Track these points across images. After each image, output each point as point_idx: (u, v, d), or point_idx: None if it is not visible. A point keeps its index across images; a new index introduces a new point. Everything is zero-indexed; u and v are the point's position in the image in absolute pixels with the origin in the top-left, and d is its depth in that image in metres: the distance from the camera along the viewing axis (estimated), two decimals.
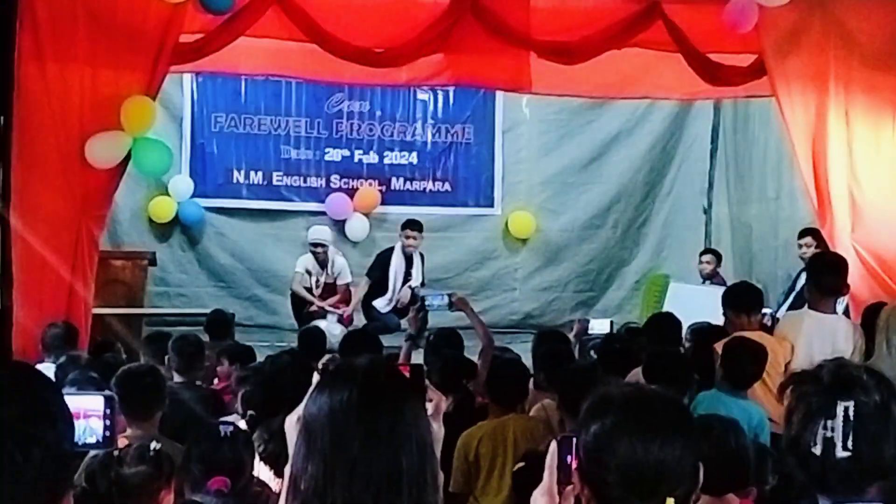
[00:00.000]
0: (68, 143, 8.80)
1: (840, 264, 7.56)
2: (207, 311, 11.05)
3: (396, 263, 12.86)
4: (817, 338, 6.80)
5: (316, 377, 2.41)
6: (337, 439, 2.23)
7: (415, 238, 12.84)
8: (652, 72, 11.00)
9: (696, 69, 10.11)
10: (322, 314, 12.61)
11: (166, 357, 7.38)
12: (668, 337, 7.68)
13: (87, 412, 3.36)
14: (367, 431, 2.23)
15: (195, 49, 9.46)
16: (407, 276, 12.87)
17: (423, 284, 12.95)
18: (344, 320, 12.60)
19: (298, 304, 12.94)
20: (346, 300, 12.97)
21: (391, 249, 13.00)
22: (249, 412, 5.98)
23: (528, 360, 7.67)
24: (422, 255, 13.13)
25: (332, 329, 11.53)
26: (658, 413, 2.67)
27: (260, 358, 7.98)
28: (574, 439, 2.68)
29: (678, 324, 8.30)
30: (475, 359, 7.86)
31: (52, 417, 1.78)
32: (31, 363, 1.95)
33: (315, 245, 13.01)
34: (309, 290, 12.95)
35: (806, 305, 7.41)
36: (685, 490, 2.61)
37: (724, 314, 7.51)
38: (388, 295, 12.77)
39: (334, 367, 2.41)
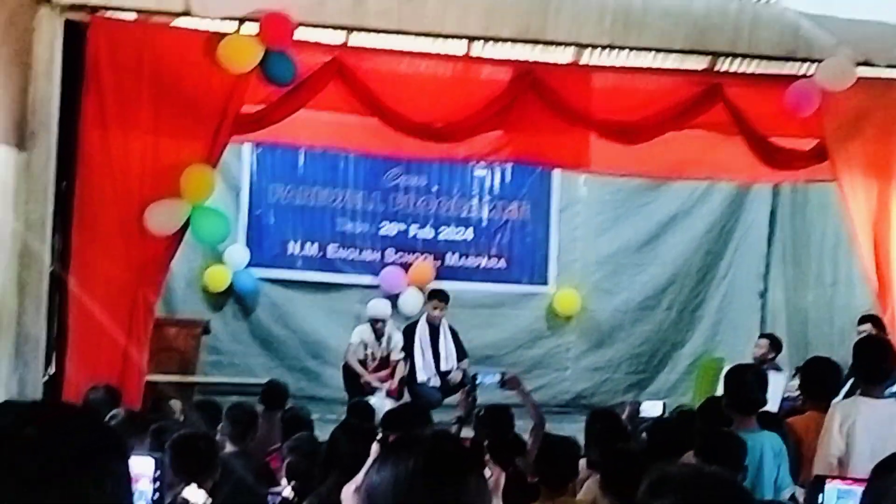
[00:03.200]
0: (128, 210, 8.86)
1: (887, 348, 7.49)
2: (259, 381, 11.04)
3: (420, 334, 12.88)
4: (875, 424, 6.70)
5: (375, 448, 2.37)
6: None
7: (439, 308, 12.89)
8: (711, 154, 10.94)
9: (756, 152, 10.07)
10: (370, 391, 12.56)
11: (219, 426, 7.36)
12: (723, 421, 7.57)
13: (137, 475, 3.33)
14: (432, 501, 2.19)
15: (256, 120, 9.53)
16: (434, 347, 12.84)
17: (462, 357, 12.94)
18: (391, 393, 12.57)
19: (352, 375, 12.90)
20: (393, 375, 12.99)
21: (416, 323, 13.07)
22: (293, 482, 5.96)
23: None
24: (452, 329, 13.10)
25: (381, 404, 11.48)
26: (717, 494, 2.61)
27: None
28: None
29: None
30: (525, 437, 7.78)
31: (123, 455, 1.79)
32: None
33: (375, 320, 13.00)
34: (363, 362, 12.91)
35: (857, 393, 7.33)
36: None
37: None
38: (420, 371, 12.80)
39: (397, 437, 2.37)
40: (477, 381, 9.15)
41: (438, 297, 13.04)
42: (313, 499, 5.25)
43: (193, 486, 4.48)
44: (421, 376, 12.80)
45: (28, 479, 1.65)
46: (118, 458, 1.78)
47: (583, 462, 7.03)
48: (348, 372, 12.93)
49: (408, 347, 12.94)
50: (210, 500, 4.52)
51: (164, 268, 9.36)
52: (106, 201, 8.88)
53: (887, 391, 7.47)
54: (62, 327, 8.85)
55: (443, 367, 12.91)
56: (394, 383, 12.73)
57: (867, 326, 10.65)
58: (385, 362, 12.99)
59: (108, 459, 1.75)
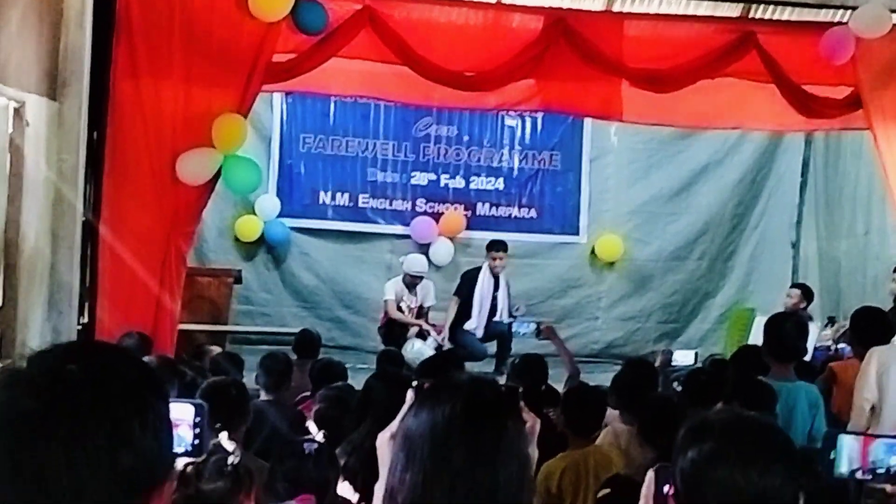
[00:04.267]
0: (160, 159, 8.89)
1: None
2: (290, 330, 11.07)
3: (484, 285, 12.85)
4: None
5: (410, 394, 2.36)
6: (439, 452, 2.19)
7: (501, 259, 12.82)
8: (744, 102, 10.86)
9: (790, 100, 10.00)
10: (422, 335, 12.59)
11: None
12: (756, 369, 7.56)
13: (177, 420, 3.34)
14: (471, 445, 2.19)
15: (287, 69, 9.51)
16: (494, 298, 12.83)
17: (512, 313, 12.90)
18: (439, 342, 12.62)
19: (392, 329, 12.92)
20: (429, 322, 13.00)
21: (478, 269, 13.01)
22: (323, 430, 5.98)
23: None
24: (507, 281, 13.09)
25: (427, 351, 11.53)
26: (759, 440, 2.60)
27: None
28: (671, 469, 2.62)
29: None
30: (559, 388, 7.79)
31: (163, 394, 1.79)
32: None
33: (414, 276, 13.01)
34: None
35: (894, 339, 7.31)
36: None
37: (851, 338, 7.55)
38: (475, 318, 12.76)
39: (435, 382, 2.37)
40: (513, 330, 9.18)
41: (498, 247, 12.97)
42: (346, 446, 5.27)
43: (224, 434, 4.51)
44: (471, 324, 12.76)
45: (75, 416, 1.66)
46: (159, 397, 1.79)
47: (612, 412, 7.04)
48: (390, 326, 12.94)
49: (467, 293, 12.91)
50: (239, 450, 4.54)
51: (196, 217, 9.39)
52: (138, 150, 8.90)
53: None
54: (95, 276, 8.90)
55: (496, 319, 12.85)
56: (444, 332, 12.75)
57: None
58: (420, 312, 13.03)
59: (151, 397, 1.76)
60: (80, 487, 1.65)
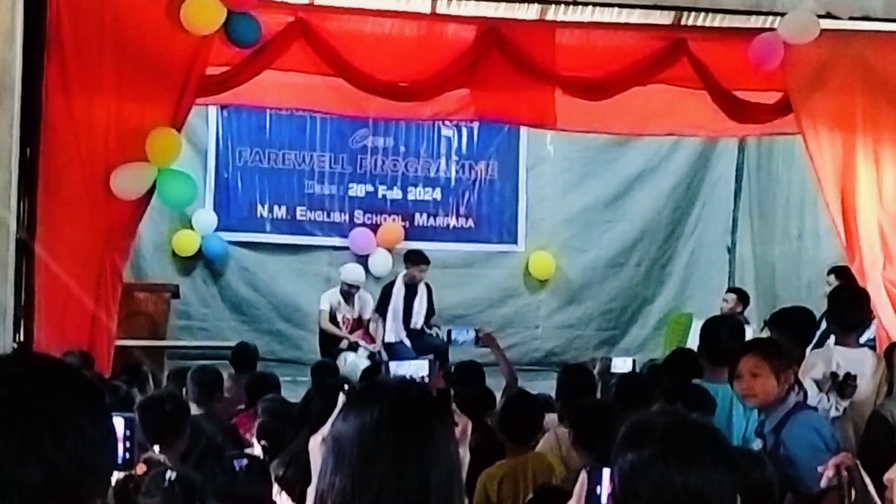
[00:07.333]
0: (93, 175, 8.80)
1: (859, 296, 7.60)
2: (229, 344, 11.02)
3: (396, 295, 12.87)
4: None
5: (341, 398, 2.38)
6: (366, 455, 2.21)
7: (422, 270, 12.87)
8: (677, 109, 10.91)
9: (721, 106, 10.07)
10: (353, 348, 12.56)
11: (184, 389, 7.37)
12: (690, 373, 7.62)
13: None
14: (398, 447, 2.21)
15: (220, 82, 9.47)
16: (408, 306, 12.84)
17: (430, 315, 12.98)
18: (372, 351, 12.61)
19: (327, 341, 12.87)
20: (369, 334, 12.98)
21: (393, 282, 13.05)
22: (262, 442, 5.98)
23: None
24: (428, 287, 13.11)
25: (361, 363, 11.50)
26: (698, 442, 2.62)
27: (283, 392, 7.95)
28: (604, 469, 2.63)
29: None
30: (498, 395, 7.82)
31: (91, 411, 1.76)
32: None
33: (350, 286, 12.97)
34: (335, 325, 12.90)
35: (831, 341, 7.41)
36: None
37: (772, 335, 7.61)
38: (390, 328, 12.77)
39: (363, 386, 2.39)
40: (452, 338, 9.19)
41: (423, 260, 13.03)
42: (284, 456, 5.27)
43: (157, 447, 4.50)
44: (389, 337, 12.76)
45: None
46: (87, 413, 1.74)
47: (552, 417, 7.07)
48: (325, 337, 12.91)
49: (382, 307, 12.92)
50: (173, 464, 4.53)
51: (132, 232, 9.31)
52: (71, 166, 8.80)
53: (861, 339, 7.57)
54: (30, 294, 8.79)
55: (412, 326, 12.89)
56: (377, 346, 12.72)
57: (831, 278, 10.74)
58: (357, 323, 12.99)
59: (74, 413, 1.71)
60: None
